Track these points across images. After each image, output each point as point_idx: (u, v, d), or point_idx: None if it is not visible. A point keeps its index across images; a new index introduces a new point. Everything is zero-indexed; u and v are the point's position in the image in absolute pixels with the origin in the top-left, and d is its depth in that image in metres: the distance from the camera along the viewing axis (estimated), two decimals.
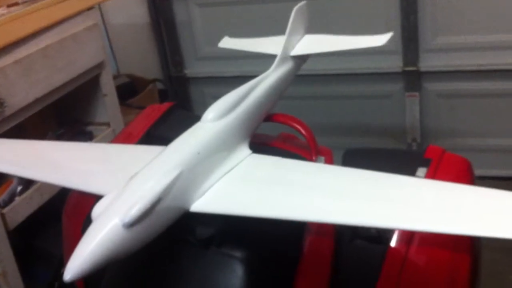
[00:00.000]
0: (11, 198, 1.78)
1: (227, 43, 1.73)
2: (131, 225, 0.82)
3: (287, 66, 1.41)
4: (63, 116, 2.30)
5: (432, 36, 2.45)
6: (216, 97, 1.15)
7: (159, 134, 1.48)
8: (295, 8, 1.50)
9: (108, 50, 2.92)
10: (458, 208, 0.83)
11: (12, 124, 1.76)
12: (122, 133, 1.66)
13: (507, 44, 2.35)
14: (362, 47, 1.52)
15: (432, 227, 0.81)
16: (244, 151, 1.10)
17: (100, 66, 2.18)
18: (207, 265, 1.06)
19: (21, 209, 1.77)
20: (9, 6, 1.94)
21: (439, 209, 0.84)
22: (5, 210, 1.71)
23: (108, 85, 2.25)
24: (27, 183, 1.81)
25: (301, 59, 1.49)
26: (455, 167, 1.27)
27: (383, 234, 1.11)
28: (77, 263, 0.78)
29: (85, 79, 2.12)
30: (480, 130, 2.55)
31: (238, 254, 1.05)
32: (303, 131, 1.33)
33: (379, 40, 1.45)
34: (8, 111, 1.71)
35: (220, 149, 1.04)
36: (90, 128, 2.29)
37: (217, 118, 1.08)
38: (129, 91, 2.84)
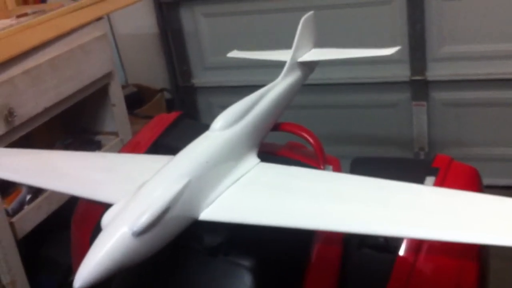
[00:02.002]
0: (20, 207, 1.78)
1: (236, 54, 1.74)
2: (140, 233, 0.82)
3: (295, 75, 1.41)
4: (71, 126, 2.31)
5: (439, 45, 2.45)
6: (224, 107, 1.15)
7: (167, 143, 1.48)
8: (303, 18, 1.50)
9: (117, 60, 2.93)
10: (466, 216, 0.83)
11: (21, 133, 1.77)
12: (130, 142, 1.67)
13: None
14: (370, 55, 1.53)
15: (440, 235, 0.81)
16: (252, 160, 1.11)
17: (108, 76, 2.19)
18: (215, 273, 1.06)
19: (30, 218, 1.78)
20: (18, 16, 1.95)
21: (447, 217, 0.84)
22: (14, 219, 1.72)
23: (116, 95, 2.26)
24: (36, 192, 1.82)
25: (309, 68, 1.49)
26: (463, 176, 1.27)
27: (391, 243, 1.11)
28: (87, 271, 0.79)
29: (94, 89, 2.13)
30: (488, 139, 2.54)
31: (245, 262, 1.05)
32: (310, 140, 1.33)
33: (387, 51, 1.46)
34: (17, 121, 1.71)
35: (228, 158, 1.04)
36: (98, 137, 2.30)
37: (226, 127, 1.09)
38: (137, 100, 2.85)
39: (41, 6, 2.17)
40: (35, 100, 1.79)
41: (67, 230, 1.45)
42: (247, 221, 0.91)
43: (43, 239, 1.98)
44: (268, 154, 1.25)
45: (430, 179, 1.23)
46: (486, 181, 1.32)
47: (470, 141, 2.57)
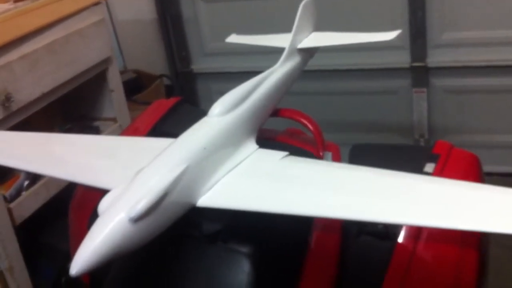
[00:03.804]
0: (18, 193, 1.78)
1: (234, 39, 1.72)
2: (137, 219, 0.82)
3: (294, 61, 1.40)
4: (69, 112, 2.30)
5: (440, 31, 2.43)
6: (223, 93, 1.14)
7: (166, 129, 1.47)
8: (302, 3, 1.49)
9: (115, 45, 2.92)
10: (465, 204, 0.83)
11: (19, 119, 1.76)
12: (128, 128, 1.66)
13: None
14: (370, 41, 1.51)
15: (440, 222, 0.81)
16: (251, 146, 1.10)
17: (106, 61, 2.18)
18: (213, 260, 1.06)
19: (28, 204, 1.78)
20: (16, 1, 1.94)
21: (446, 205, 0.83)
22: (12, 205, 1.72)
23: (115, 81, 2.25)
24: (34, 178, 1.82)
25: (308, 53, 1.48)
26: (464, 162, 1.26)
27: (390, 230, 1.10)
28: (84, 257, 0.78)
29: (92, 75, 2.12)
30: (488, 126, 2.54)
31: (244, 249, 1.05)
32: (310, 126, 1.32)
33: (387, 36, 1.44)
34: (15, 106, 1.71)
35: (226, 143, 1.04)
36: (96, 123, 2.29)
37: (224, 112, 1.08)
38: (136, 86, 2.84)
39: None
40: (32, 85, 1.78)
41: (66, 216, 1.45)
42: (245, 208, 0.90)
43: (42, 226, 1.97)
44: (267, 140, 1.24)
45: (430, 166, 1.22)
46: (486, 168, 1.32)
47: (470, 128, 2.57)
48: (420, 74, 2.52)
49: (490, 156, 2.36)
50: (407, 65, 2.52)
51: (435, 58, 2.48)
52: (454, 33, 2.43)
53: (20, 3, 1.93)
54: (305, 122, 1.33)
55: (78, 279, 0.80)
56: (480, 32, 2.38)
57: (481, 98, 2.50)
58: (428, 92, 2.55)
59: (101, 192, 0.93)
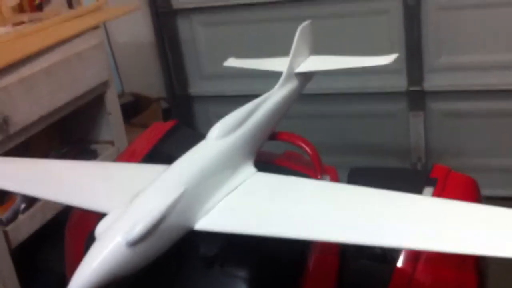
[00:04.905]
0: (14, 216, 1.77)
1: (232, 62, 1.73)
2: (134, 243, 0.81)
3: (292, 84, 1.41)
4: (67, 135, 2.30)
5: (437, 55, 2.44)
6: (221, 116, 1.14)
7: (163, 152, 1.47)
8: (299, 27, 1.50)
9: (113, 68, 2.92)
10: (464, 227, 0.82)
11: (16, 142, 1.76)
12: (126, 151, 1.66)
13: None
14: (367, 66, 1.52)
15: (439, 246, 0.80)
16: (249, 169, 1.10)
17: (104, 84, 2.18)
18: (210, 284, 1.05)
19: (24, 227, 1.77)
20: (14, 25, 1.95)
21: (446, 228, 0.83)
22: (8, 228, 1.71)
23: (112, 104, 2.25)
24: (31, 201, 1.81)
25: (306, 77, 1.49)
26: (462, 186, 1.26)
27: (389, 253, 1.10)
28: (80, 281, 0.77)
29: (90, 98, 2.12)
30: (486, 150, 2.53)
31: (241, 273, 1.04)
32: (307, 149, 1.32)
33: (384, 60, 1.45)
34: (12, 129, 1.70)
35: (224, 167, 1.03)
36: (94, 146, 2.29)
37: (222, 136, 1.08)
38: (133, 109, 2.84)
39: (37, 14, 2.16)
40: (30, 108, 1.78)
41: (62, 239, 1.44)
42: (243, 231, 0.90)
43: (38, 249, 1.96)
44: (265, 163, 1.24)
45: (428, 190, 1.22)
46: (484, 192, 1.31)
47: (468, 152, 2.57)
48: (417, 98, 2.53)
49: (488, 180, 2.34)
50: (403, 89, 2.53)
51: (431, 82, 2.49)
52: (451, 57, 2.43)
53: (19, 27, 1.94)
54: (303, 145, 1.33)
55: None
56: (477, 56, 2.38)
57: (478, 122, 2.50)
58: (425, 116, 2.55)
59: (98, 215, 0.92)
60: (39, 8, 2.26)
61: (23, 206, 1.80)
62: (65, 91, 1.94)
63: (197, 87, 2.96)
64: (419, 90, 2.50)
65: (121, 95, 2.84)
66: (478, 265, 1.11)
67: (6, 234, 1.69)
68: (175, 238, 0.90)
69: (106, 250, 0.80)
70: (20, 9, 2.23)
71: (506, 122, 2.45)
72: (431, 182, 1.24)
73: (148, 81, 3.09)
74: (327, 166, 1.37)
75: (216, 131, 1.08)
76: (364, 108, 2.65)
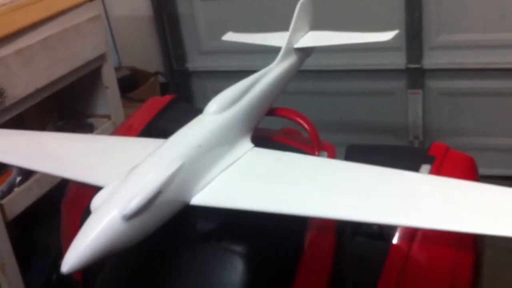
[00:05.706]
0: (10, 189, 1.76)
1: (231, 37, 1.72)
2: (130, 217, 0.81)
3: (291, 60, 1.40)
4: (63, 108, 2.29)
5: (436, 33, 2.43)
6: (218, 92, 1.13)
7: (160, 127, 1.47)
8: (299, 2, 1.49)
9: (110, 42, 2.90)
10: (461, 205, 0.82)
11: (12, 114, 1.75)
12: (123, 125, 1.65)
13: (511, 43, 2.33)
14: (367, 41, 1.51)
15: (435, 224, 0.80)
16: (246, 144, 1.09)
17: (102, 58, 2.16)
18: (207, 259, 1.05)
19: (20, 200, 1.76)
20: None
21: (442, 206, 0.83)
22: (3, 201, 1.70)
23: (109, 78, 2.24)
24: (27, 174, 1.80)
25: (305, 53, 1.47)
26: (459, 164, 1.26)
27: (385, 231, 1.10)
28: (75, 255, 0.77)
29: (87, 71, 2.10)
30: (483, 129, 2.54)
31: (238, 248, 1.04)
32: (306, 126, 1.32)
33: (385, 36, 1.44)
34: (8, 101, 1.70)
35: (222, 142, 1.03)
36: (90, 120, 2.28)
37: (220, 110, 1.07)
38: (131, 84, 2.83)
39: None
40: (26, 80, 1.77)
41: (58, 213, 1.44)
42: (239, 207, 0.89)
43: (34, 222, 1.96)
44: (262, 139, 1.23)
45: (425, 167, 1.21)
46: (481, 170, 1.31)
47: (465, 131, 2.57)
48: (416, 76, 2.52)
49: (485, 159, 2.35)
50: (402, 67, 2.52)
51: (430, 60, 2.48)
52: (450, 35, 2.42)
53: None
54: (301, 121, 1.33)
55: (69, 276, 0.79)
56: (477, 34, 2.37)
57: (476, 101, 2.50)
58: (424, 94, 2.55)
59: (94, 189, 0.92)
60: None
61: (18, 179, 1.79)
62: (62, 64, 1.93)
63: (195, 62, 2.95)
64: (418, 68, 2.49)
65: (118, 69, 2.82)
66: (475, 245, 1.11)
67: (1, 207, 1.69)
68: (172, 212, 0.89)
69: (102, 224, 0.80)
70: None
71: (504, 101, 2.45)
72: (428, 159, 1.24)
73: (146, 55, 3.07)
74: (325, 143, 1.36)
75: (213, 105, 1.08)
76: (363, 86, 2.65)
